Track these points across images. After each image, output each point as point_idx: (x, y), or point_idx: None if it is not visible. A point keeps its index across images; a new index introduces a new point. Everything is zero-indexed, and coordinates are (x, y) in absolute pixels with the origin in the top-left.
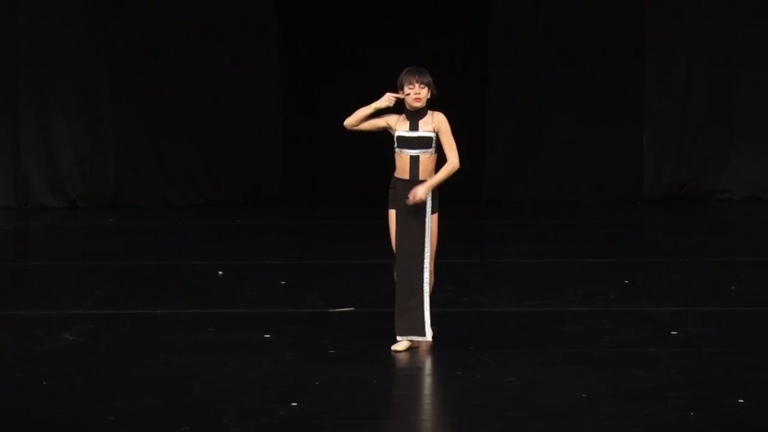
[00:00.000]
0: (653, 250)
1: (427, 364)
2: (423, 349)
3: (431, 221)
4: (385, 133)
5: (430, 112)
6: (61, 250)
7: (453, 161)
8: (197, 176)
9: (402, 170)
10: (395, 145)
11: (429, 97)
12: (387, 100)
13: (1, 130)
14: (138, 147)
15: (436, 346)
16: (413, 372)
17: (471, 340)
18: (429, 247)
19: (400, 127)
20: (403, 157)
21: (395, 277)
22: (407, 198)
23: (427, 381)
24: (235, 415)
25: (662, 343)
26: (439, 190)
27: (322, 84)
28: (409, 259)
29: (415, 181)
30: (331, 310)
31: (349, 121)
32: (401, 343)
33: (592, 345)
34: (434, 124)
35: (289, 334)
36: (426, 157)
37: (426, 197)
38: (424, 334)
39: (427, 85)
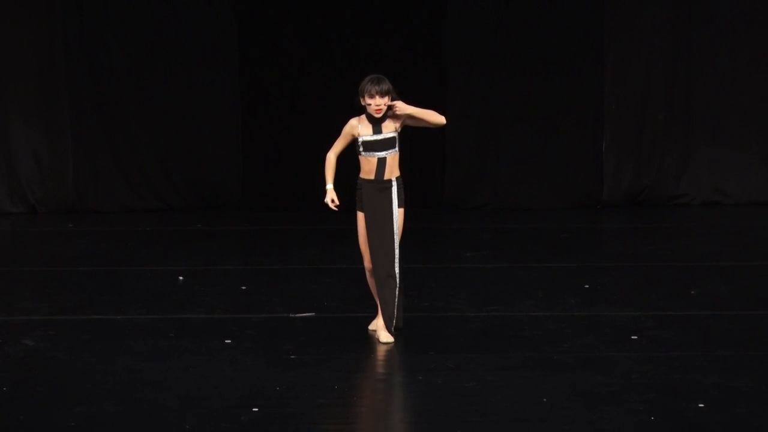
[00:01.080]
0: (613, 255)
1: (389, 369)
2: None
3: (399, 216)
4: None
5: (388, 117)
6: (21, 256)
7: (440, 116)
8: (157, 181)
9: (368, 171)
10: (360, 150)
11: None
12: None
13: None
14: (97, 152)
15: (397, 351)
16: (374, 377)
17: (431, 345)
18: (397, 242)
19: (364, 131)
20: (370, 161)
21: (376, 277)
22: (394, 102)
23: (388, 386)
24: (196, 421)
25: (622, 347)
26: (405, 187)
27: (281, 89)
28: (384, 257)
29: (380, 181)
30: (291, 315)
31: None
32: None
33: (552, 350)
34: (393, 123)
35: (249, 339)
36: (392, 157)
37: (404, 110)
38: (390, 332)
39: (387, 93)
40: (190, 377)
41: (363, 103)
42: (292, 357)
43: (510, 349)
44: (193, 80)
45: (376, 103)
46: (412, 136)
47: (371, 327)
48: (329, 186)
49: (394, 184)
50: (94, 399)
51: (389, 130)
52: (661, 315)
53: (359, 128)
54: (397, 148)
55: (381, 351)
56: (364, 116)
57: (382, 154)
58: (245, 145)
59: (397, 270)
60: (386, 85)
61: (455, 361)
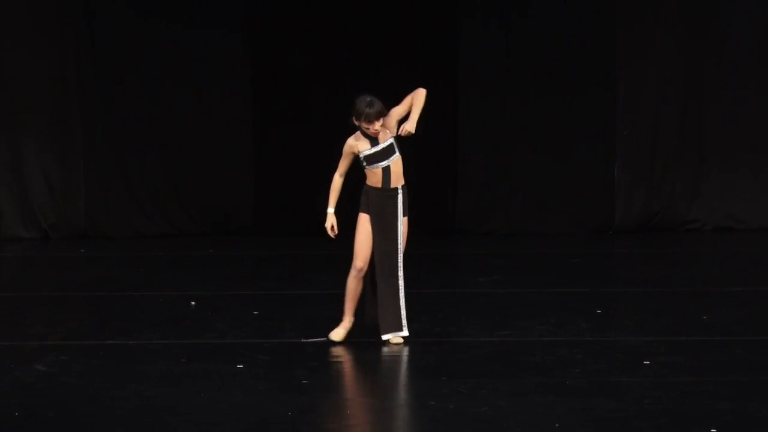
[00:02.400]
0: (625, 280)
1: (400, 394)
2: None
3: (403, 224)
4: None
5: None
6: (33, 281)
7: (419, 90)
8: (169, 207)
9: (375, 181)
10: (364, 164)
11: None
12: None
13: None
14: (109, 177)
15: (409, 376)
16: (386, 402)
17: (443, 370)
18: (402, 251)
19: (363, 147)
20: (376, 172)
21: (379, 277)
22: (400, 131)
23: (400, 411)
24: None
25: (634, 372)
26: (409, 198)
27: (293, 114)
28: (385, 262)
29: (387, 189)
30: (303, 340)
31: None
32: (339, 332)
33: (564, 375)
34: (388, 131)
35: (261, 364)
36: (395, 163)
37: (414, 129)
38: (401, 329)
39: (380, 115)
40: (202, 402)
41: (358, 124)
42: (304, 382)
43: (522, 374)
44: (205, 106)
45: (375, 128)
46: (424, 161)
47: (333, 336)
48: (330, 210)
49: (400, 192)
50: (106, 424)
51: (385, 138)
52: (674, 340)
53: (358, 145)
54: (397, 153)
55: (393, 376)
56: (359, 133)
57: (385, 163)
58: (257, 170)
59: (401, 273)
60: (380, 107)
61: (467, 386)
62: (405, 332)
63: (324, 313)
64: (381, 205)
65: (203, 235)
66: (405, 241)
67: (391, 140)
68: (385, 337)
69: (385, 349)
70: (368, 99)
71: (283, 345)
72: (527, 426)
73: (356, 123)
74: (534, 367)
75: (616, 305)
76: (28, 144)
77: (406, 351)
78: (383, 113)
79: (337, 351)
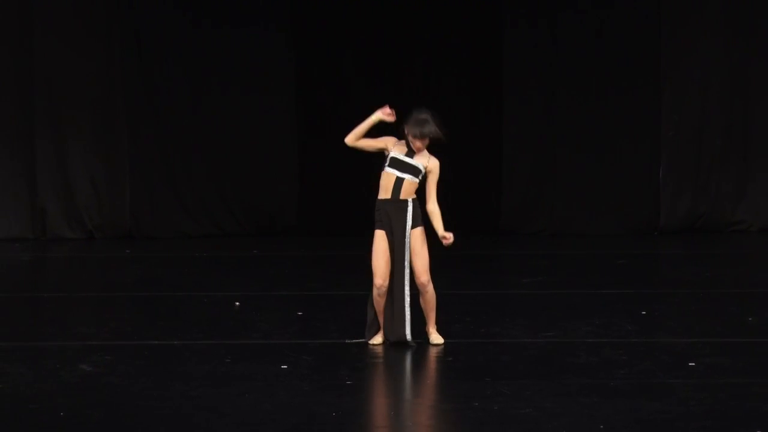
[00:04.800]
0: (670, 282)
1: (444, 395)
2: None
3: (415, 237)
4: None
5: (427, 153)
6: (78, 281)
7: (438, 209)
8: (213, 207)
9: (385, 189)
10: (386, 164)
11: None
12: (383, 113)
13: (19, 162)
14: (154, 178)
15: (452, 377)
16: (430, 403)
17: (487, 371)
18: (408, 262)
19: (398, 150)
20: (389, 176)
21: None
22: (444, 240)
23: (444, 412)
24: None
25: (679, 374)
26: (421, 209)
27: (338, 115)
28: (394, 273)
29: (396, 200)
30: (347, 341)
31: (350, 138)
32: (377, 337)
33: (609, 376)
34: (429, 165)
35: (305, 364)
36: (409, 182)
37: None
38: (405, 337)
39: (429, 137)
40: (246, 403)
41: (406, 133)
42: (348, 383)
43: (566, 375)
44: (250, 107)
45: (418, 145)
46: (468, 161)
47: (372, 341)
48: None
49: (410, 204)
50: (150, 424)
51: (421, 161)
52: (719, 342)
53: (395, 146)
54: (417, 180)
55: (437, 377)
56: (404, 141)
57: (402, 175)
58: (302, 171)
59: (406, 284)
60: (431, 129)
61: (511, 387)
62: (409, 339)
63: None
64: (393, 217)
65: (247, 235)
66: (420, 254)
67: (423, 169)
68: (391, 339)
69: (429, 350)
70: (424, 116)
71: (327, 345)
72: (571, 427)
73: (405, 132)
74: (578, 368)
75: (660, 306)
76: (73, 145)
77: (450, 352)
78: (432, 135)
79: (381, 351)
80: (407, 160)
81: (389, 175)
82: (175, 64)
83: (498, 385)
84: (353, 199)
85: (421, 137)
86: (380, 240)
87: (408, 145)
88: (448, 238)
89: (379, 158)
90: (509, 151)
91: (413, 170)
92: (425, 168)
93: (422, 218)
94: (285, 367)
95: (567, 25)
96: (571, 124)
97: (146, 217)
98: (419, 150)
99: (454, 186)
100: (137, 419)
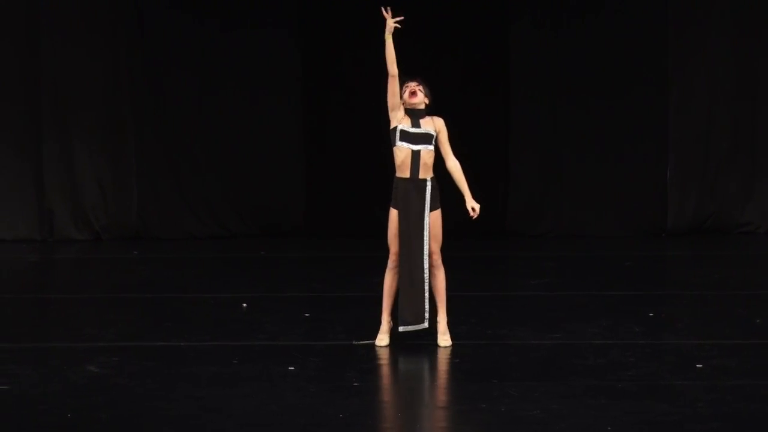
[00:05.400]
0: (677, 283)
1: (451, 397)
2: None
3: (433, 218)
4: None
5: (429, 116)
6: (85, 283)
7: (458, 164)
8: (219, 208)
9: (402, 167)
10: (397, 139)
11: (426, 102)
12: (387, 27)
13: (25, 163)
14: (161, 179)
15: (460, 379)
16: (437, 405)
17: (494, 373)
18: (427, 244)
19: (405, 121)
20: (403, 151)
21: (401, 276)
22: (472, 212)
23: (451, 414)
24: None
25: (687, 376)
26: (439, 190)
27: (344, 116)
28: (411, 255)
29: (415, 179)
30: (354, 342)
31: (392, 69)
32: (383, 338)
33: (616, 378)
34: (436, 125)
35: (312, 366)
36: (426, 153)
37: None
38: (423, 322)
39: (419, 82)
40: (252, 404)
41: (402, 100)
42: (355, 384)
43: (573, 377)
44: (256, 107)
45: (412, 88)
46: (475, 163)
47: (378, 343)
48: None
49: (429, 184)
50: (157, 426)
51: (428, 127)
52: (727, 343)
53: (403, 119)
54: (432, 146)
55: (444, 379)
56: (405, 114)
57: (416, 147)
58: (308, 172)
59: (425, 266)
60: (423, 83)
61: (518, 389)
62: (425, 324)
63: (375, 315)
64: (408, 197)
65: (254, 236)
66: (437, 236)
67: (434, 133)
68: (402, 329)
69: (436, 352)
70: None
71: (333, 347)
72: (578, 429)
73: (402, 98)
74: (585, 369)
75: (668, 308)
76: (80, 146)
77: (457, 353)
78: (423, 85)
79: (388, 353)
80: (416, 130)
81: (403, 149)
82: (182, 66)
83: (505, 386)
84: (359, 200)
85: (416, 82)
86: (394, 219)
87: (411, 115)
88: (476, 210)
89: (382, 159)
90: (516, 153)
91: (426, 138)
92: (435, 130)
93: (439, 200)
94: (292, 368)
95: (573, 27)
96: (578, 125)
97: (153, 218)
98: (413, 98)
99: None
100: (144, 420)
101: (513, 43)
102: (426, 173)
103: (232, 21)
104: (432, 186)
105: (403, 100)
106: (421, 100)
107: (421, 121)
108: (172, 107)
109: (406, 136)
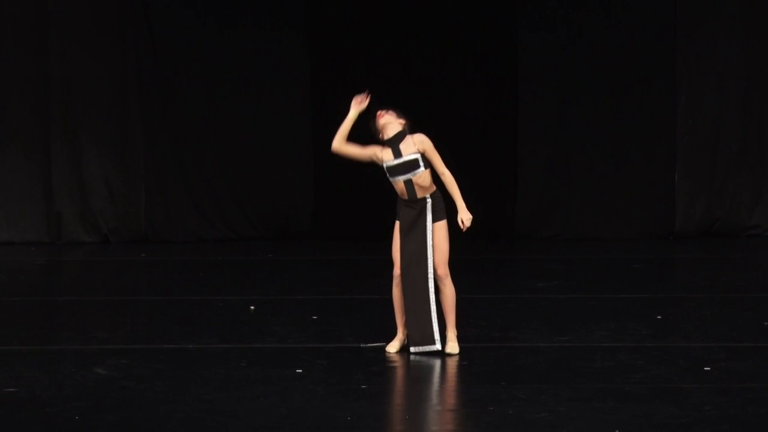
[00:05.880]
0: (685, 286)
1: (459, 400)
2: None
3: (436, 230)
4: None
5: (408, 135)
6: (94, 285)
7: (451, 176)
8: (228, 211)
9: (401, 193)
10: (388, 175)
11: (402, 121)
12: (356, 104)
13: (34, 166)
14: (169, 182)
15: (468, 382)
16: (445, 408)
17: (502, 375)
18: (431, 257)
19: (386, 157)
20: (398, 183)
21: (401, 289)
22: (461, 224)
23: (460, 417)
24: None
25: (695, 378)
26: (443, 200)
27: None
28: (414, 271)
29: (413, 200)
30: (362, 345)
31: (334, 142)
32: (395, 344)
33: (624, 381)
34: (416, 145)
35: (320, 369)
36: (417, 177)
37: (469, 214)
38: (434, 343)
39: (392, 110)
40: (261, 407)
41: (378, 129)
42: (363, 387)
43: (581, 380)
44: (265, 110)
45: (381, 124)
46: (483, 166)
47: (389, 349)
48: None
49: (429, 201)
50: (165, 428)
51: (409, 152)
52: (735, 346)
53: (382, 153)
54: (422, 168)
55: (452, 381)
56: (385, 144)
57: (406, 176)
58: (317, 174)
59: (431, 284)
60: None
61: (526, 392)
62: (437, 346)
63: (383, 317)
64: (409, 215)
65: (262, 239)
66: (440, 247)
67: (416, 155)
68: (413, 349)
69: (444, 355)
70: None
71: (342, 350)
72: None
73: (378, 135)
74: (594, 372)
75: (676, 311)
76: (88, 148)
77: (465, 356)
78: (390, 110)
79: (396, 356)
80: (399, 161)
81: (397, 182)
82: (191, 68)
83: (513, 389)
84: (368, 202)
85: (382, 110)
86: (397, 232)
87: (390, 144)
88: (465, 223)
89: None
90: (524, 156)
91: (411, 165)
92: (418, 150)
93: (445, 210)
94: (300, 371)
95: (581, 29)
96: (586, 128)
97: (161, 221)
98: (380, 118)
99: (469, 190)
100: (153, 423)
101: (521, 46)
102: (424, 192)
103: (241, 23)
104: (433, 201)
105: (379, 134)
106: (388, 120)
107: (401, 146)
108: (181, 110)
109: (394, 171)
